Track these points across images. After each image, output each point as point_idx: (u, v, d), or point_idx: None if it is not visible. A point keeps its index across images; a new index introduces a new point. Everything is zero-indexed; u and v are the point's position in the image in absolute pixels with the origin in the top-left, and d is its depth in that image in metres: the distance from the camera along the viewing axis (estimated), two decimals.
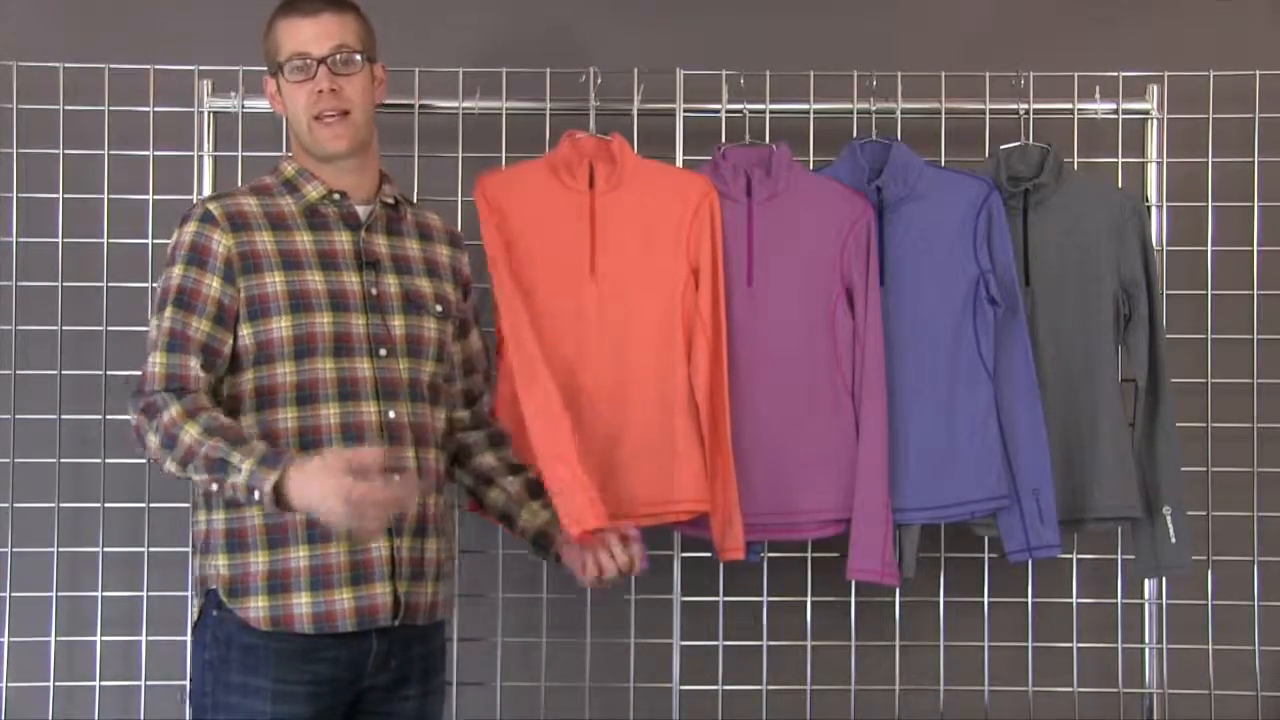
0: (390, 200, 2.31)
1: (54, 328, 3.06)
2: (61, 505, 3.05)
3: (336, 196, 2.25)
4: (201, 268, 2.17)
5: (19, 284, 3.08)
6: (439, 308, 2.30)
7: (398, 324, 2.24)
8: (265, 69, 2.33)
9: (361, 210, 2.28)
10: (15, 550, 3.05)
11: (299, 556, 2.14)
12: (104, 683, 3.04)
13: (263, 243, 2.20)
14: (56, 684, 3.04)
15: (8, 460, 3.05)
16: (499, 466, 2.41)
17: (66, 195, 3.08)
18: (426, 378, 2.27)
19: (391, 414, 2.20)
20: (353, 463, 1.98)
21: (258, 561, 2.15)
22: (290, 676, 2.14)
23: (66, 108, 3.06)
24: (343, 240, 2.24)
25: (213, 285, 2.16)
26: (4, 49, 3.09)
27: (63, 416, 3.05)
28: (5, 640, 3.06)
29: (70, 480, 3.07)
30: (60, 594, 3.05)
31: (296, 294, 2.18)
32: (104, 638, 3.05)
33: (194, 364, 2.14)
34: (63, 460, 3.05)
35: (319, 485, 1.98)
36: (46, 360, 3.06)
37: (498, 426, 2.48)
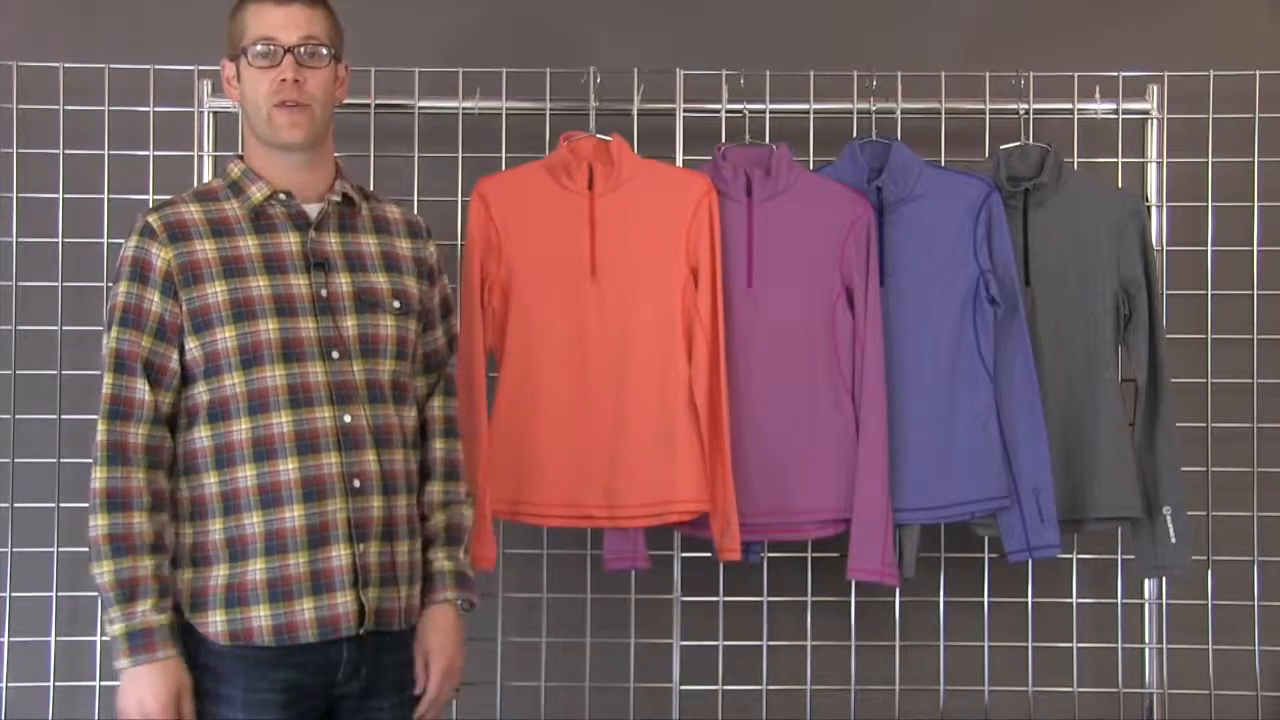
0: (338, 197, 2.24)
1: (54, 328, 3.06)
2: (61, 505, 3.05)
3: (282, 197, 2.20)
4: (143, 283, 2.14)
5: (19, 284, 3.08)
6: (396, 304, 2.24)
7: (350, 324, 2.18)
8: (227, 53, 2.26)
9: (312, 209, 2.22)
10: (15, 550, 3.05)
11: (256, 569, 2.11)
12: (104, 683, 3.04)
13: (203, 251, 2.15)
14: (56, 684, 3.05)
15: (8, 460, 3.06)
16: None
17: (66, 195, 3.08)
18: (386, 377, 2.21)
19: (347, 418, 2.15)
20: None
21: (218, 575, 2.12)
22: (260, 685, 2.11)
23: (66, 108, 3.06)
24: (290, 242, 2.19)
25: (154, 301, 2.13)
26: (4, 49, 3.10)
27: (63, 416, 3.05)
28: (5, 640, 3.07)
29: (70, 480, 3.06)
30: (60, 594, 3.05)
31: (239, 302, 2.13)
32: (104, 638, 3.04)
33: (140, 384, 2.12)
34: (63, 460, 3.05)
35: (136, 696, 2.05)
36: (46, 360, 3.06)
37: (427, 453, 2.33)
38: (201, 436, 2.14)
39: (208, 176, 3.03)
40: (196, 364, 2.14)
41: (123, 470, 2.09)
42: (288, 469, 2.12)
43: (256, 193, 2.21)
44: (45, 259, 3.08)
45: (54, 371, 3.06)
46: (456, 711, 2.98)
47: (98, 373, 2.97)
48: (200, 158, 3.04)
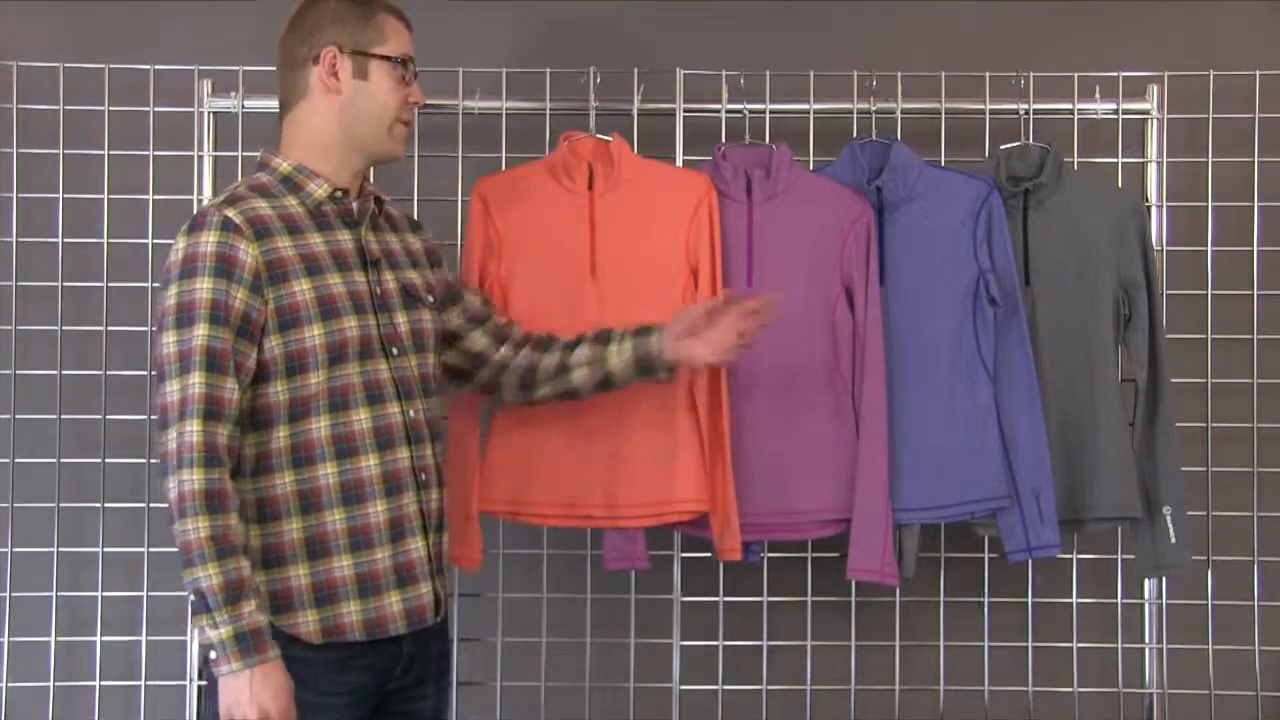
0: (387, 197, 2.31)
1: (54, 328, 3.06)
2: (61, 505, 3.05)
3: (339, 194, 2.22)
4: (229, 279, 2.08)
5: (19, 284, 3.08)
6: (430, 298, 2.30)
7: (402, 321, 2.23)
8: (329, 42, 2.21)
9: (354, 206, 2.25)
10: (15, 550, 3.05)
11: (343, 565, 2.12)
12: (104, 683, 3.05)
13: (285, 249, 2.13)
14: (56, 684, 3.05)
15: (8, 460, 3.06)
16: (562, 354, 2.48)
17: (66, 195, 3.08)
18: (430, 371, 2.27)
19: (412, 413, 2.19)
20: None
21: (300, 575, 2.11)
22: (327, 688, 2.12)
23: (66, 108, 3.06)
24: (345, 239, 2.21)
25: (240, 297, 2.08)
26: (4, 49, 3.10)
27: (63, 416, 3.05)
28: (5, 640, 3.07)
29: (70, 480, 3.07)
30: (60, 594, 3.05)
31: (324, 300, 2.13)
32: (104, 638, 3.05)
33: (230, 384, 2.06)
34: (63, 460, 3.05)
35: (253, 698, 1.99)
36: (46, 360, 3.06)
37: (534, 335, 2.53)
38: (279, 436, 2.12)
39: (208, 176, 3.03)
40: (275, 362, 2.11)
41: (219, 472, 2.03)
42: (369, 465, 2.14)
43: (318, 189, 2.21)
44: (45, 259, 3.08)
45: (54, 371, 3.06)
46: (457, 712, 2.98)
47: (98, 373, 3.04)
48: (200, 158, 3.04)
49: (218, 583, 1.99)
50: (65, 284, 3.07)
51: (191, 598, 2.02)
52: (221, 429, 2.05)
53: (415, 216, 2.45)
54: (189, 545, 2.01)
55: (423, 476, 2.19)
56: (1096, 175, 3.04)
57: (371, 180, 2.39)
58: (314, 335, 2.12)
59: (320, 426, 2.12)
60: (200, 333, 2.05)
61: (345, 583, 2.12)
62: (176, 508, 2.03)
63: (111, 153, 3.07)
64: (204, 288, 2.07)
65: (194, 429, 2.03)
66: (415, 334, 2.24)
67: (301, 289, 2.12)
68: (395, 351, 2.20)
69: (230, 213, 2.12)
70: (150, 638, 3.04)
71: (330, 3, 2.24)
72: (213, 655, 2.00)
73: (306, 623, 2.11)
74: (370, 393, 2.16)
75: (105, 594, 3.05)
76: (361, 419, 2.14)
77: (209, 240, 2.09)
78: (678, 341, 2.43)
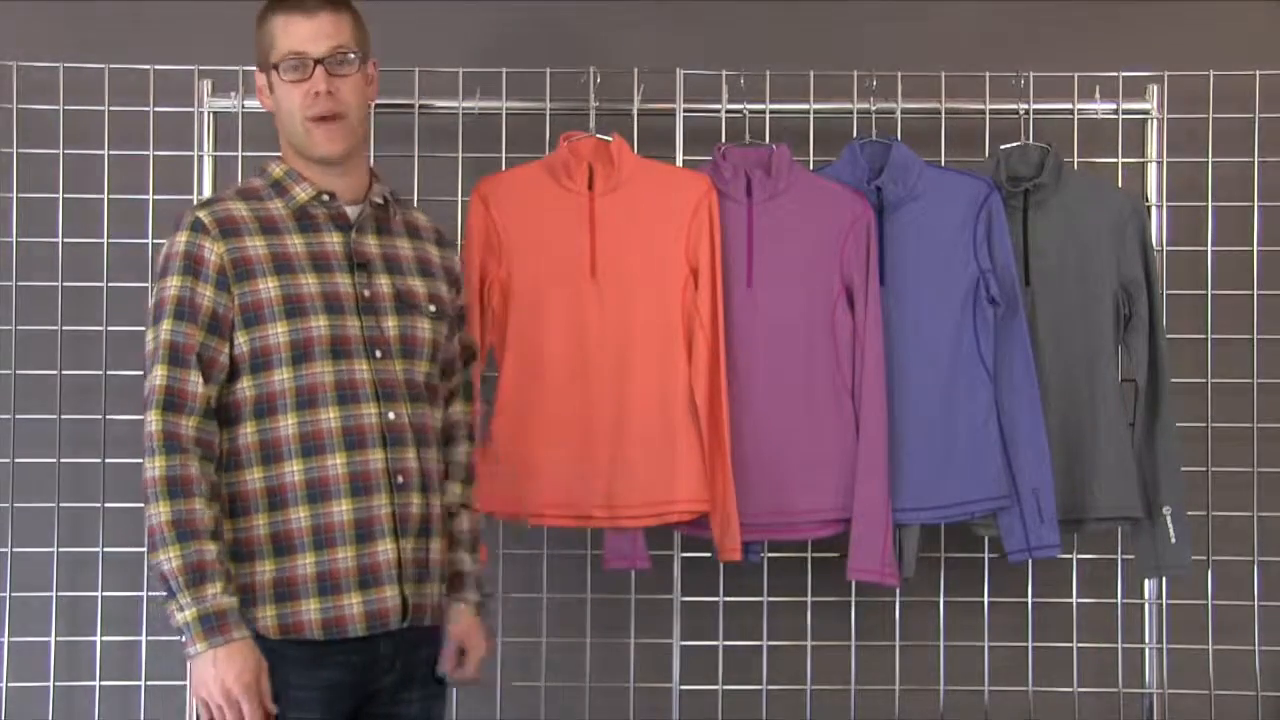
0: (379, 200, 2.29)
1: (54, 328, 3.06)
2: (61, 505, 3.05)
3: (326, 197, 2.23)
4: (196, 277, 2.14)
5: (19, 284, 3.08)
6: (433, 307, 2.28)
7: (391, 325, 2.22)
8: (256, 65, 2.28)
9: (351, 210, 2.25)
10: (15, 550, 3.05)
11: (305, 563, 2.13)
12: (104, 683, 3.05)
13: (254, 248, 2.17)
14: (56, 684, 3.05)
15: (8, 460, 3.05)
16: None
17: (66, 195, 3.08)
18: (422, 378, 2.25)
19: (392, 415, 2.18)
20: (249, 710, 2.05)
21: (264, 570, 2.13)
22: (303, 681, 2.12)
23: (66, 108, 3.06)
24: (333, 242, 2.22)
25: (207, 294, 2.13)
26: (4, 49, 3.10)
27: (63, 416, 3.05)
28: (5, 640, 3.07)
29: (70, 480, 3.07)
30: (60, 594, 3.05)
31: (291, 298, 2.15)
32: (104, 638, 3.05)
33: (194, 377, 2.11)
34: (63, 460, 3.05)
35: (217, 679, 2.03)
36: (46, 360, 3.06)
37: (451, 455, 2.39)
38: (246, 432, 2.15)
39: (208, 176, 3.03)
40: (243, 359, 2.15)
41: (180, 459, 2.08)
42: (336, 464, 2.14)
43: (301, 193, 2.23)
44: (45, 259, 3.08)
45: (54, 372, 3.06)
46: (457, 712, 2.98)
47: (98, 373, 3.05)
48: (200, 158, 3.04)
49: (179, 565, 2.04)
50: (65, 284, 3.07)
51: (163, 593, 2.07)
52: (184, 420, 2.10)
53: (442, 227, 2.42)
54: (152, 530, 2.06)
55: (399, 480, 2.17)
56: (1096, 175, 3.04)
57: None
58: (278, 332, 2.14)
59: (287, 424, 2.14)
60: (165, 328, 2.12)
61: (306, 580, 2.13)
62: (143, 495, 2.08)
63: (111, 153, 3.07)
64: (172, 285, 2.14)
65: (154, 419, 2.09)
66: (405, 339, 2.23)
67: (267, 286, 2.15)
68: (379, 354, 2.20)
69: (201, 214, 2.19)
70: (150, 638, 3.04)
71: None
72: (182, 638, 2.05)
73: (265, 618, 2.12)
74: (342, 392, 2.16)
75: (105, 594, 3.05)
76: (330, 418, 2.15)
77: (180, 240, 2.17)
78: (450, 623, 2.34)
